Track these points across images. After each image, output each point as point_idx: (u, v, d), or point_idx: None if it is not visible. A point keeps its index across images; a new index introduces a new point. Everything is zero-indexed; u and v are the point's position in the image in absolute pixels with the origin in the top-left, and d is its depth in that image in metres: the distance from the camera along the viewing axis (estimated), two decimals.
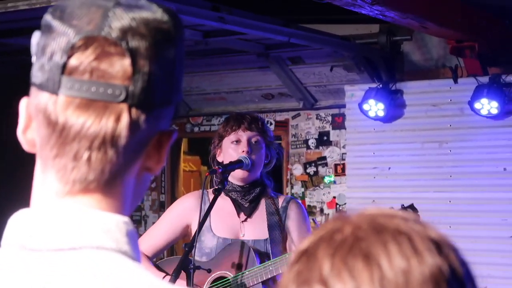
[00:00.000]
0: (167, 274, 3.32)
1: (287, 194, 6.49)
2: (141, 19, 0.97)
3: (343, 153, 6.34)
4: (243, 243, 3.35)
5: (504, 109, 5.34)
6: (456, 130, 5.61)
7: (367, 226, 0.87)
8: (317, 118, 6.52)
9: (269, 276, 3.29)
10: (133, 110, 0.96)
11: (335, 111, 6.42)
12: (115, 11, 0.97)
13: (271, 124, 6.63)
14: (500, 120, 5.43)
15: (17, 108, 1.02)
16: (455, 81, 5.60)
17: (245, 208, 3.44)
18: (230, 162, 3.31)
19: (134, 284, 0.92)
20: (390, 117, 5.75)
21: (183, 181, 7.41)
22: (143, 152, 1.00)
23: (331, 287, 0.83)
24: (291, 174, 6.60)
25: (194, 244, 3.13)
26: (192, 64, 6.39)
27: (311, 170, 6.53)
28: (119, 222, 0.97)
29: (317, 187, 6.50)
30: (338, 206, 6.40)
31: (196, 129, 7.07)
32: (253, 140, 3.40)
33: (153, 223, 3.60)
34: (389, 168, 5.83)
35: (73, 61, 0.95)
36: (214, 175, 3.40)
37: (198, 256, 3.34)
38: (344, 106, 6.09)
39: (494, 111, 5.33)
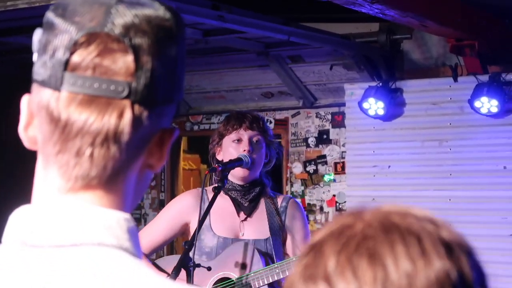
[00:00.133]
0: (165, 272, 3.31)
1: (287, 192, 6.50)
2: (143, 16, 0.97)
3: (342, 152, 6.34)
4: (246, 243, 3.35)
5: (504, 108, 5.34)
6: (456, 128, 5.61)
7: (378, 224, 0.85)
8: (316, 117, 6.52)
9: (275, 279, 3.28)
10: (136, 107, 0.96)
11: (335, 109, 6.42)
12: (118, 8, 0.97)
13: (270, 122, 6.63)
14: (500, 118, 5.43)
15: (17, 108, 1.02)
16: (455, 80, 5.60)
17: (245, 207, 3.43)
18: (230, 160, 3.31)
19: (135, 281, 0.92)
20: (390, 115, 5.75)
21: (182, 180, 7.41)
22: (145, 149, 1.00)
23: (334, 285, 0.83)
24: (291, 172, 6.60)
25: (194, 242, 3.13)
26: (192, 63, 6.39)
27: (310, 168, 6.53)
28: (120, 219, 0.97)
29: (317, 186, 6.50)
30: (338, 204, 6.40)
31: (195, 127, 7.07)
32: (254, 139, 3.40)
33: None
34: (389, 167, 5.83)
35: (76, 58, 0.95)
36: (214, 174, 3.40)
37: (198, 255, 3.34)
38: (344, 104, 6.09)
39: (494, 110, 5.33)
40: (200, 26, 5.11)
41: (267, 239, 3.38)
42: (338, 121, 6.40)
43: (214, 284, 3.34)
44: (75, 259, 0.93)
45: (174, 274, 3.07)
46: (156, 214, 6.95)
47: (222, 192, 3.39)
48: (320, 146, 6.50)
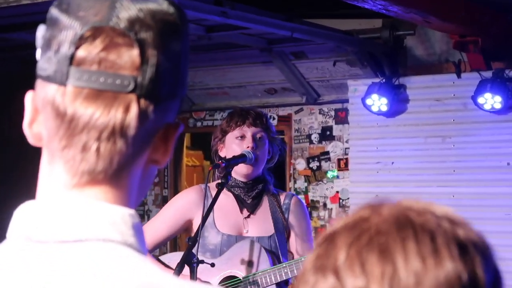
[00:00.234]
0: (170, 268, 3.31)
1: (290, 189, 6.50)
2: (148, 11, 0.97)
3: (346, 148, 6.34)
4: (252, 241, 3.34)
5: (508, 104, 5.33)
6: (459, 124, 5.61)
7: (393, 219, 0.85)
8: (320, 113, 6.52)
9: (284, 278, 3.28)
10: (142, 101, 0.96)
11: (338, 106, 6.41)
12: (122, 2, 0.97)
13: (274, 119, 6.63)
14: (503, 114, 5.43)
15: (21, 104, 1.02)
16: (458, 76, 5.59)
17: (248, 204, 3.43)
18: (234, 157, 3.30)
19: (139, 277, 0.92)
20: (393, 112, 5.75)
21: (186, 176, 7.41)
22: (150, 144, 1.00)
23: (342, 278, 0.83)
24: (294, 169, 6.60)
25: (198, 239, 3.12)
26: (195, 59, 6.39)
27: (314, 164, 6.52)
28: (125, 215, 0.97)
29: (320, 182, 6.50)
30: (341, 200, 6.40)
31: (199, 124, 7.07)
32: (257, 136, 3.40)
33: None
34: (392, 163, 5.82)
35: (81, 52, 0.95)
36: (217, 170, 3.40)
37: (202, 252, 3.33)
38: (347, 101, 6.08)
39: (498, 106, 5.32)
40: (203, 22, 5.11)
41: (270, 236, 3.38)
42: (341, 117, 6.40)
43: (220, 282, 3.33)
44: (79, 255, 0.93)
45: (178, 271, 3.06)
46: (159, 210, 6.96)
47: (225, 189, 3.38)
48: (324, 142, 6.49)
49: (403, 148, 5.80)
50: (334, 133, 6.45)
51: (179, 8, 1.02)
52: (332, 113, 6.46)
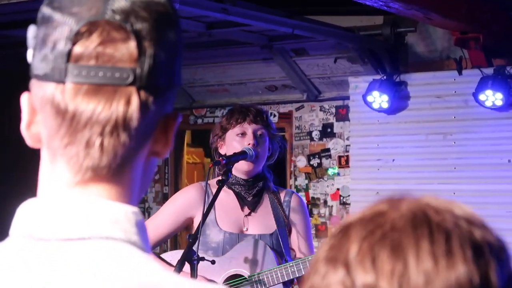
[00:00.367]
0: (172, 266, 3.30)
1: (290, 186, 6.49)
2: (141, 2, 0.97)
3: (347, 145, 6.33)
4: (257, 240, 3.33)
5: (509, 101, 5.32)
6: (460, 122, 5.60)
7: (410, 215, 0.83)
8: (320, 110, 6.51)
9: (290, 277, 3.27)
10: (142, 92, 0.96)
11: (339, 103, 6.40)
12: None
13: (274, 116, 6.63)
14: (504, 111, 5.42)
15: (20, 103, 1.01)
16: (460, 73, 5.59)
17: (249, 202, 3.42)
18: (234, 153, 3.29)
19: (143, 275, 0.92)
20: (394, 109, 5.74)
21: (186, 173, 7.41)
22: (151, 136, 1.00)
23: (352, 272, 0.82)
24: (295, 166, 6.59)
25: (198, 236, 3.12)
26: (195, 56, 6.38)
27: (314, 162, 6.52)
28: (128, 212, 0.97)
29: (321, 179, 6.49)
30: (341, 198, 6.39)
31: (199, 121, 7.06)
32: (258, 132, 3.39)
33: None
34: (393, 160, 5.82)
35: (78, 48, 0.95)
36: (217, 167, 3.39)
37: (204, 250, 3.32)
38: (348, 98, 6.08)
39: (499, 103, 5.32)
40: (203, 19, 5.10)
41: (272, 234, 3.37)
42: (342, 114, 6.39)
43: (225, 281, 3.32)
44: (82, 253, 0.92)
45: (178, 268, 3.05)
46: (159, 208, 6.97)
47: (225, 187, 3.37)
48: (324, 139, 6.49)
49: (404, 145, 5.80)
50: (335, 130, 6.44)
51: None
52: (333, 110, 6.45)
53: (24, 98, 1.01)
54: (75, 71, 0.94)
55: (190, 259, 3.10)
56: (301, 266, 3.25)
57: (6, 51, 5.74)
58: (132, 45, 0.95)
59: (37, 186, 1.01)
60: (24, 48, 1.01)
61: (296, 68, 6.25)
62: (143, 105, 0.96)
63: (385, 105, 5.66)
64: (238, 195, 3.43)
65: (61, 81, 0.95)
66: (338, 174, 6.42)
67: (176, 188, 6.97)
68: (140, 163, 1.00)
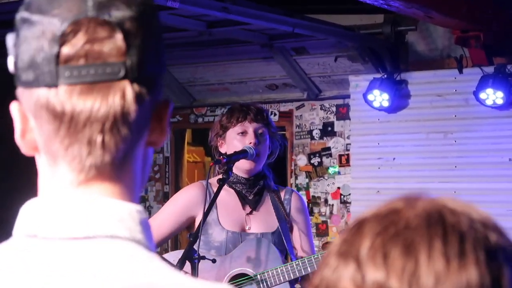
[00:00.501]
0: (174, 267, 3.29)
1: (291, 185, 6.49)
2: None
3: (347, 144, 6.33)
4: (262, 239, 3.33)
5: (510, 100, 5.32)
6: (461, 120, 5.60)
7: (425, 215, 0.83)
8: (321, 109, 6.51)
9: (297, 276, 3.27)
10: (135, 84, 0.96)
11: (340, 101, 6.40)
12: None
13: (275, 114, 6.62)
14: (505, 110, 5.42)
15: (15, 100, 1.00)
16: (460, 71, 5.58)
17: (250, 200, 3.42)
18: (235, 152, 3.29)
19: (148, 274, 0.91)
20: (394, 107, 5.74)
21: (187, 172, 7.41)
22: (148, 126, 1.00)
23: (363, 268, 0.82)
24: (296, 164, 6.59)
25: (199, 235, 3.11)
26: (196, 55, 6.38)
27: (315, 160, 6.52)
28: (133, 211, 0.97)
29: (322, 178, 6.49)
30: (342, 196, 6.39)
31: (200, 120, 7.06)
32: (259, 131, 3.39)
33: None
34: (394, 159, 5.81)
35: (66, 49, 0.94)
36: (218, 166, 3.39)
37: (206, 250, 3.32)
38: (348, 96, 6.07)
39: (499, 102, 5.32)
40: (204, 17, 5.10)
41: (274, 232, 3.37)
42: (343, 113, 6.39)
43: (230, 280, 3.32)
44: (87, 252, 0.92)
45: (179, 267, 3.05)
46: (160, 207, 6.95)
47: (226, 185, 3.37)
48: (325, 138, 6.49)
49: (405, 144, 5.79)
50: (336, 129, 6.44)
51: None
52: (334, 108, 6.45)
53: (14, 108, 1.00)
54: (66, 72, 0.94)
55: (191, 258, 3.10)
56: (307, 265, 3.26)
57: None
58: (118, 38, 0.94)
59: (37, 185, 1.00)
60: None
61: (297, 67, 6.25)
62: (138, 97, 0.96)
63: (386, 104, 5.66)
64: (239, 194, 3.42)
65: (53, 84, 0.94)
66: (339, 172, 6.41)
67: (177, 187, 6.97)
68: (140, 155, 1.00)
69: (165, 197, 7.00)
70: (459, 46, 5.49)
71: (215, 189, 3.27)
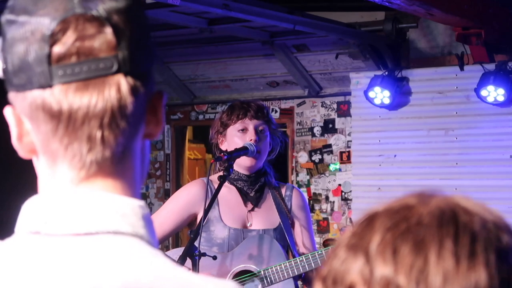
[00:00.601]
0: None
1: (292, 182, 6.49)
2: None
3: (348, 141, 6.33)
4: (265, 235, 3.33)
5: (510, 96, 5.31)
6: (462, 117, 5.59)
7: (438, 212, 0.83)
8: (322, 106, 6.51)
9: (301, 272, 3.28)
10: (129, 77, 0.96)
11: (341, 98, 6.40)
12: None
13: (276, 112, 6.62)
14: (506, 107, 5.41)
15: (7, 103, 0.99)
16: (461, 68, 5.58)
17: (251, 197, 3.42)
18: (236, 149, 3.29)
19: (152, 269, 0.92)
20: (395, 104, 5.74)
21: (188, 169, 7.41)
22: (144, 118, 1.00)
23: (372, 262, 0.82)
24: (296, 161, 6.59)
25: (200, 231, 3.12)
26: (196, 52, 6.38)
27: (316, 157, 6.52)
28: (135, 206, 0.97)
29: (323, 175, 6.49)
30: (343, 193, 6.39)
31: (201, 117, 7.06)
32: (259, 128, 3.39)
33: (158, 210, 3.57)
34: (395, 156, 5.81)
35: (57, 48, 0.94)
36: (218, 163, 3.38)
37: (209, 247, 3.32)
38: (349, 93, 6.07)
39: (501, 98, 5.31)
40: (205, 14, 5.09)
41: (276, 228, 3.37)
42: (344, 110, 6.39)
43: (234, 277, 3.32)
44: (91, 248, 0.92)
45: (180, 263, 3.05)
46: (161, 204, 6.95)
47: (227, 182, 3.37)
48: (326, 135, 6.49)
49: (406, 141, 5.79)
50: (337, 126, 6.44)
51: None
52: (335, 106, 6.45)
53: (8, 113, 0.99)
54: (59, 71, 0.93)
55: (192, 255, 3.10)
56: (311, 261, 3.26)
57: None
58: (108, 32, 0.94)
59: (36, 185, 1.00)
60: None
61: (298, 64, 6.25)
62: (133, 89, 0.96)
63: (387, 101, 5.66)
64: (240, 191, 3.42)
65: (48, 85, 0.94)
66: (340, 169, 6.42)
67: (178, 184, 6.98)
68: (138, 148, 1.00)
69: (166, 194, 7.00)
70: (460, 43, 5.49)
71: (216, 186, 3.27)
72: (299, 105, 6.61)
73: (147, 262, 0.92)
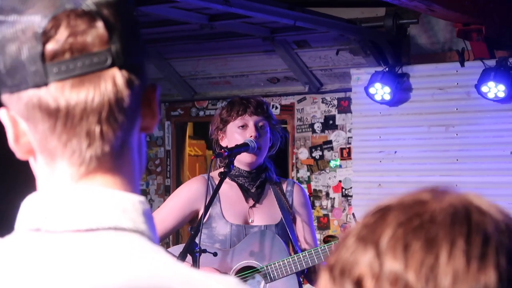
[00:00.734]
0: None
1: (292, 178, 6.49)
2: None
3: (349, 137, 6.33)
4: (267, 231, 3.33)
5: (511, 93, 5.31)
6: (462, 113, 5.59)
7: (451, 210, 0.82)
8: (322, 102, 6.50)
9: (304, 267, 3.28)
10: (123, 71, 0.95)
11: (341, 95, 6.40)
12: None
13: (276, 108, 6.62)
14: (507, 103, 5.41)
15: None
16: (462, 65, 5.57)
17: (252, 193, 3.41)
18: (236, 145, 3.29)
19: (154, 265, 0.91)
20: (396, 100, 5.73)
21: (188, 166, 7.41)
22: (140, 112, 0.99)
23: (382, 256, 0.81)
24: (297, 158, 6.59)
25: (200, 228, 3.12)
26: (197, 48, 6.37)
27: (316, 154, 6.52)
28: (135, 202, 0.96)
29: (323, 171, 6.49)
30: (343, 190, 6.39)
31: (201, 113, 7.06)
32: (259, 124, 3.38)
33: (159, 207, 3.56)
34: (395, 152, 5.81)
35: (50, 46, 0.93)
36: (219, 159, 3.38)
37: (211, 243, 3.32)
38: (350, 90, 6.07)
39: (501, 95, 5.31)
40: (205, 10, 5.09)
41: (277, 224, 3.37)
42: (344, 106, 6.38)
43: (237, 273, 3.32)
44: (92, 244, 0.92)
45: (180, 260, 3.05)
46: (161, 200, 6.96)
47: (228, 179, 3.37)
48: (326, 131, 6.48)
49: (406, 137, 5.79)
50: (337, 122, 6.44)
51: None
52: (335, 102, 6.45)
53: (3, 115, 0.98)
54: (54, 69, 0.93)
55: (192, 251, 3.10)
56: (314, 256, 3.26)
57: None
58: (100, 26, 0.94)
59: (35, 184, 0.99)
60: None
61: (298, 60, 6.24)
62: (128, 82, 0.95)
63: (387, 97, 5.65)
64: (241, 187, 3.42)
65: (43, 83, 0.93)
66: (340, 166, 6.41)
67: (178, 181, 6.98)
68: (135, 141, 1.00)
69: (167, 191, 7.00)
70: (461, 39, 5.49)
71: (217, 183, 3.27)
72: (299, 101, 6.61)
73: (148, 258, 0.92)
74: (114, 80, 0.94)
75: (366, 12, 5.98)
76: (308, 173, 6.54)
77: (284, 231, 3.36)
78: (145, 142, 1.05)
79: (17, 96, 0.95)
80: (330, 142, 6.46)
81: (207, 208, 3.18)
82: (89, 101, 0.93)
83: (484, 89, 5.34)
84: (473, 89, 5.41)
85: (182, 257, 3.07)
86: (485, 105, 5.46)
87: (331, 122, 6.46)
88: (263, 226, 3.36)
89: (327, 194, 6.46)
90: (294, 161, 6.60)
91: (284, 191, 3.44)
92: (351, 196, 6.27)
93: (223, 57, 6.50)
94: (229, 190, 3.39)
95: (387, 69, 5.67)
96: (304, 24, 5.18)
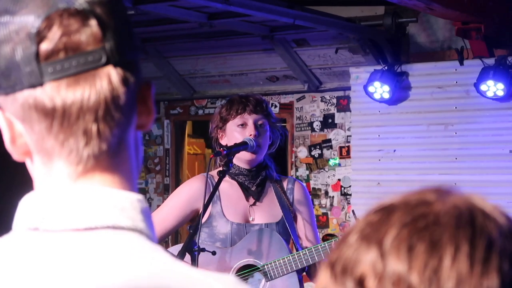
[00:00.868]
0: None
1: (291, 176, 6.49)
2: None
3: (348, 136, 6.33)
4: (267, 229, 3.33)
5: (510, 91, 5.31)
6: (461, 112, 5.59)
7: (456, 212, 0.82)
8: (322, 101, 6.50)
9: (304, 265, 3.28)
10: (118, 68, 0.95)
11: (340, 93, 6.40)
12: None
13: (275, 106, 6.62)
14: (506, 102, 5.41)
15: None
16: (461, 63, 5.58)
17: (253, 192, 3.41)
18: (235, 144, 3.28)
19: (152, 264, 0.91)
20: (395, 99, 5.73)
21: (187, 164, 7.41)
22: (135, 109, 0.99)
23: (385, 255, 0.81)
24: (296, 156, 6.59)
25: (199, 226, 3.11)
26: (196, 47, 6.37)
27: (316, 152, 6.52)
28: (134, 200, 0.96)
29: (322, 170, 6.49)
30: (343, 188, 6.39)
31: (200, 111, 7.06)
32: (259, 122, 3.38)
33: (158, 206, 3.56)
34: (394, 151, 5.81)
35: (44, 46, 0.93)
36: (218, 158, 3.38)
37: (212, 242, 3.31)
38: (349, 88, 6.07)
39: (500, 93, 5.31)
40: (204, 9, 5.09)
41: (278, 222, 3.37)
42: (343, 105, 6.38)
43: (237, 271, 3.32)
44: (90, 243, 0.92)
45: (179, 259, 3.05)
46: (160, 199, 6.95)
47: (228, 177, 3.37)
48: (325, 130, 6.48)
49: (405, 136, 5.79)
50: (336, 121, 6.44)
51: None
52: (334, 100, 6.45)
53: None
54: (49, 69, 0.93)
55: (191, 250, 3.09)
56: (314, 254, 3.26)
57: None
58: (93, 25, 0.94)
59: (32, 183, 0.99)
60: None
61: (297, 59, 6.24)
62: (124, 80, 0.95)
63: (386, 96, 5.65)
64: (242, 186, 3.42)
65: (38, 84, 0.93)
66: (339, 164, 6.42)
67: (177, 179, 6.98)
68: (132, 139, 1.00)
69: (166, 189, 7.00)
70: (460, 37, 5.49)
71: (216, 181, 3.27)
72: (298, 100, 6.61)
73: (148, 257, 0.92)
74: (109, 78, 0.94)
75: (366, 11, 5.98)
76: (307, 172, 6.54)
77: (285, 229, 3.36)
78: (141, 140, 1.05)
79: (13, 97, 0.95)
80: (329, 140, 6.46)
81: (206, 207, 3.18)
82: (85, 99, 0.93)
83: (483, 87, 5.34)
84: (472, 87, 5.41)
85: (180, 256, 3.06)
86: (484, 103, 5.46)
87: (330, 120, 6.46)
88: (263, 225, 3.36)
89: (326, 193, 6.46)
90: (293, 159, 6.60)
91: (285, 189, 3.44)
92: (350, 195, 6.27)
93: (222, 56, 6.50)
94: (230, 188, 3.39)
95: (386, 67, 5.67)
96: (303, 23, 5.18)
